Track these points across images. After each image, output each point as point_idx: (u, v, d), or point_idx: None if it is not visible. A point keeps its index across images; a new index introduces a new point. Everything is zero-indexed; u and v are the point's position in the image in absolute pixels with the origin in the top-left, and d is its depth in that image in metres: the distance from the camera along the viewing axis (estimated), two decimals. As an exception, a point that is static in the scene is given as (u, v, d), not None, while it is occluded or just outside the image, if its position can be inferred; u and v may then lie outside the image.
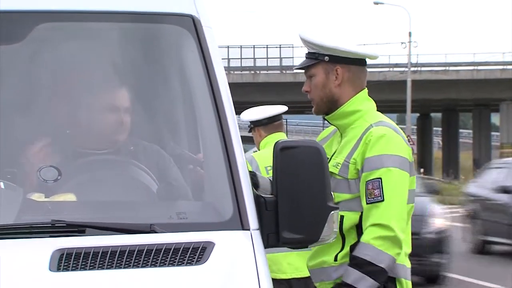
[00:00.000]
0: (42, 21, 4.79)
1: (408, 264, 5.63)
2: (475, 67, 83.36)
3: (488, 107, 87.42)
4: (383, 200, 5.38)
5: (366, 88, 5.78)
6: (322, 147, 4.60)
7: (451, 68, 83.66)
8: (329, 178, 4.56)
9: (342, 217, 5.47)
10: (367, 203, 5.43)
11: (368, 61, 5.90)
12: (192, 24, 4.82)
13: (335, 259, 5.50)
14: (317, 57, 5.73)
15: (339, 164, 5.64)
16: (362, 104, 5.70)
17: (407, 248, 5.62)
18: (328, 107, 5.73)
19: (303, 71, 5.83)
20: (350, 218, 5.51)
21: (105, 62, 4.99)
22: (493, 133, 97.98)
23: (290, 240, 4.50)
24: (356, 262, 5.40)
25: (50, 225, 4.28)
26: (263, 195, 4.55)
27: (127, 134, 4.88)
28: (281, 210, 4.47)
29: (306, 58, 5.79)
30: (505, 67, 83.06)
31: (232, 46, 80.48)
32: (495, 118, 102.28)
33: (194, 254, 4.18)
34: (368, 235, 5.37)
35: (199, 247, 4.21)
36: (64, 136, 4.86)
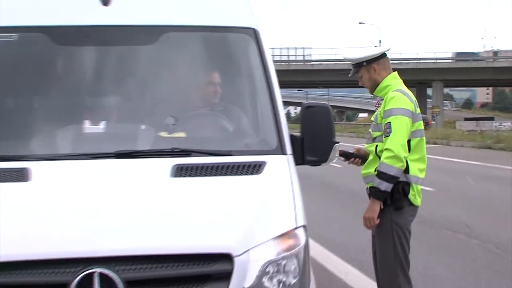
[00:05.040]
0: (166, 31, 4.78)
1: (421, 175, 5.66)
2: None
3: None
4: (390, 135, 5.48)
5: (395, 72, 5.85)
6: (330, 106, 4.67)
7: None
8: (334, 124, 4.63)
9: (376, 145, 5.67)
10: (384, 137, 5.55)
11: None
12: (254, 34, 4.81)
13: (375, 170, 5.58)
14: (359, 65, 5.80)
15: (375, 115, 5.80)
16: (391, 81, 5.77)
17: (421, 165, 5.67)
18: (375, 88, 5.83)
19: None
20: (380, 145, 5.60)
21: (203, 56, 4.99)
22: None
23: (310, 161, 4.54)
24: (377, 174, 5.52)
25: (170, 150, 4.33)
26: (294, 134, 4.58)
27: (219, 99, 4.88)
28: (305, 144, 4.53)
29: (353, 68, 5.86)
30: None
31: (271, 48, 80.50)
32: None
33: (254, 168, 4.20)
34: (383, 156, 5.49)
35: (257, 164, 4.23)
36: (188, 100, 4.92)
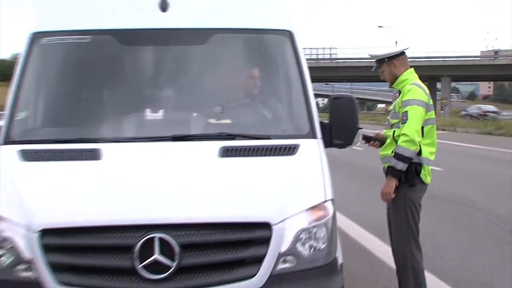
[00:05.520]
0: (214, 33, 4.76)
1: (431, 157, 5.57)
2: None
3: None
4: (406, 122, 5.39)
5: (412, 68, 5.73)
6: (354, 97, 4.62)
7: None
8: (358, 113, 4.57)
9: (394, 131, 5.57)
10: (401, 123, 5.45)
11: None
12: (289, 35, 4.76)
13: (392, 152, 5.50)
14: (381, 61, 5.70)
15: (394, 105, 5.70)
16: (408, 76, 5.66)
17: (432, 148, 5.58)
18: (394, 81, 5.71)
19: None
20: (397, 131, 5.50)
21: (245, 55, 4.95)
22: None
23: (337, 144, 4.50)
24: (394, 155, 5.44)
25: (218, 134, 4.32)
26: (323, 121, 4.54)
27: (258, 91, 4.84)
28: (333, 129, 4.49)
29: (376, 63, 5.76)
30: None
31: (304, 47, 79.81)
32: None
33: (289, 150, 4.19)
34: (400, 140, 5.40)
35: (292, 147, 4.22)
36: (233, 91, 4.89)
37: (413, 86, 5.54)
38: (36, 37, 4.63)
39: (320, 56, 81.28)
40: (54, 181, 3.91)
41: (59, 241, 3.59)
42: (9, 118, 4.38)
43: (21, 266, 3.61)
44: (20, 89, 4.47)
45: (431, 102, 5.59)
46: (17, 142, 4.25)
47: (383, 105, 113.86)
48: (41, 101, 4.65)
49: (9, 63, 48.93)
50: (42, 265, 3.57)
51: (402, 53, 5.71)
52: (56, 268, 3.57)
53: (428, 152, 5.54)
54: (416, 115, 5.41)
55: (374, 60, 5.78)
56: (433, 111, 5.64)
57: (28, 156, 4.08)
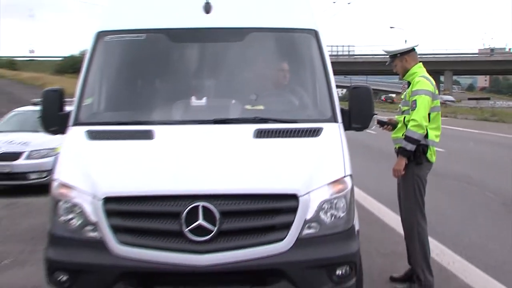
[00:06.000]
0: (250, 32, 4.67)
1: (436, 139, 5.44)
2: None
3: None
4: (415, 109, 5.26)
5: (420, 62, 5.56)
6: (370, 87, 4.52)
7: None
8: (373, 101, 4.48)
9: (404, 117, 5.42)
10: (411, 110, 5.31)
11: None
12: (315, 34, 4.67)
13: (402, 135, 5.39)
14: (394, 56, 5.55)
15: (404, 94, 5.56)
16: (417, 69, 5.49)
17: (437, 132, 5.45)
18: (405, 74, 5.55)
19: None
20: (407, 117, 5.37)
21: (276, 50, 4.87)
22: None
23: (355, 127, 4.40)
24: (405, 137, 5.32)
25: (253, 119, 4.27)
26: (343, 107, 4.47)
27: (287, 82, 4.76)
28: (352, 114, 4.40)
29: (389, 58, 5.60)
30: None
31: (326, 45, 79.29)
32: None
33: (314, 132, 4.12)
34: (409, 125, 5.28)
35: (316, 129, 4.15)
36: (265, 82, 4.79)
37: (421, 78, 5.42)
38: (100, 35, 4.64)
39: (339, 53, 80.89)
40: (114, 157, 3.93)
41: (119, 208, 3.62)
42: (78, 104, 4.41)
43: (88, 228, 3.66)
44: (87, 80, 4.50)
45: (436, 92, 5.47)
46: (84, 123, 4.28)
47: (393, 95, 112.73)
48: (104, 90, 4.67)
49: (78, 58, 49.64)
50: (105, 227, 3.61)
51: (412, 49, 5.58)
52: (116, 230, 3.61)
53: (434, 135, 5.43)
54: (423, 103, 5.30)
55: (388, 55, 5.66)
56: (439, 100, 5.52)
57: (93, 135, 4.11)
